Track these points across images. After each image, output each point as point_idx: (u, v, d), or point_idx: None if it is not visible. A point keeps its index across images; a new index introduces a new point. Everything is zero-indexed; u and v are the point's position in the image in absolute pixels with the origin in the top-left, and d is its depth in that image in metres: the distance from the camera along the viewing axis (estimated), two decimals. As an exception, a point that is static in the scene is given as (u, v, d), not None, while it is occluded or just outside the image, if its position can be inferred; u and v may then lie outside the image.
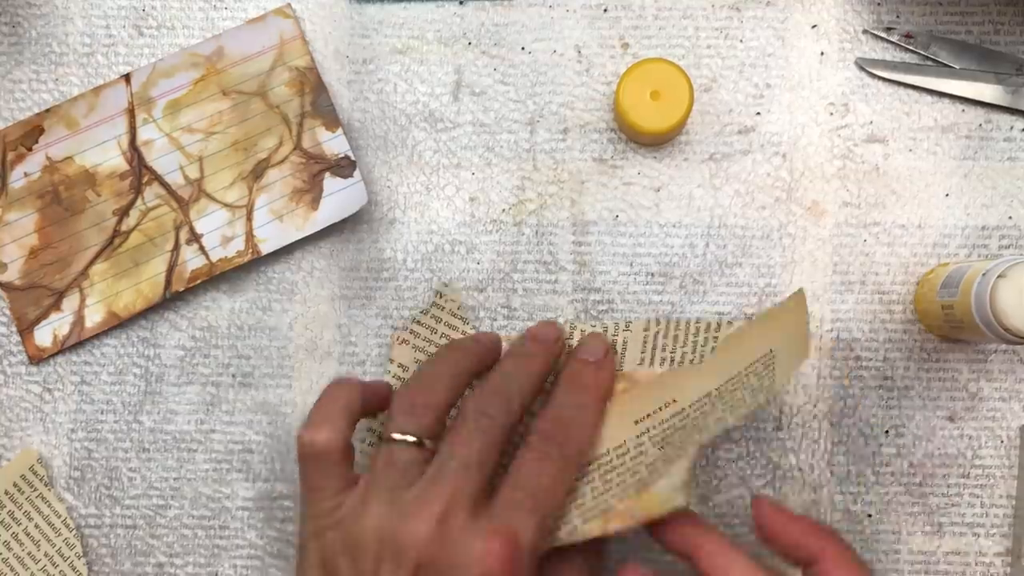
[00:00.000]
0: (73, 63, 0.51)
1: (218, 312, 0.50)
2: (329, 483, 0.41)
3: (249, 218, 0.49)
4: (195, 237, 0.49)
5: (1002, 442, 0.49)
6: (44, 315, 0.49)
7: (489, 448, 0.41)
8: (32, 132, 0.50)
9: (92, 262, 0.50)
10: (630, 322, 0.49)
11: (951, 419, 0.49)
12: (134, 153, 0.50)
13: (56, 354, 0.50)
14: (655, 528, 0.41)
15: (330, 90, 0.50)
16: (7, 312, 0.50)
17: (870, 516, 0.49)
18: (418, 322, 0.49)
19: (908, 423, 0.49)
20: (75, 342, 0.50)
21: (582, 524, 0.42)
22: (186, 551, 0.50)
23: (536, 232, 0.50)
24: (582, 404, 0.45)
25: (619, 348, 0.48)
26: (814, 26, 0.50)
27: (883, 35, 0.50)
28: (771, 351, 0.43)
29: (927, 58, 0.50)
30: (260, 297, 0.50)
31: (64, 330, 0.50)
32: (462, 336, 0.49)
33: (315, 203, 0.49)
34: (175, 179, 0.50)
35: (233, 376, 0.50)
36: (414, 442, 0.41)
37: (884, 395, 0.49)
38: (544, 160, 0.50)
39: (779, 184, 0.50)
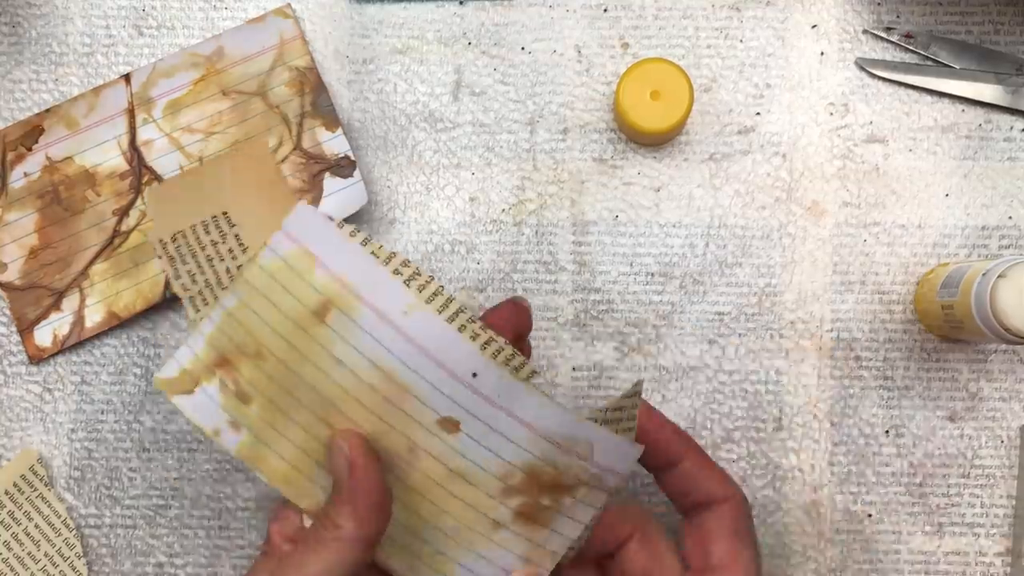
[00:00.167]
0: (73, 63, 0.51)
1: (218, 312, 0.50)
2: None
3: (249, 218, 0.49)
4: (195, 237, 0.49)
5: (1002, 442, 0.49)
6: (44, 315, 0.49)
7: None
8: (32, 132, 0.50)
9: (92, 262, 0.50)
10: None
11: (951, 419, 0.49)
12: (134, 153, 0.50)
13: (56, 354, 0.50)
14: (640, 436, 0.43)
15: (330, 90, 0.50)
16: (7, 312, 0.50)
17: (870, 516, 0.49)
18: None
19: (908, 423, 0.49)
20: (75, 342, 0.50)
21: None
22: (186, 551, 0.50)
23: (536, 232, 0.50)
24: None
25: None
26: (814, 26, 0.50)
27: (883, 35, 0.50)
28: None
29: (927, 58, 0.50)
30: (260, 297, 0.50)
31: (64, 330, 0.50)
32: None
33: (315, 203, 0.49)
34: (175, 179, 0.50)
35: (233, 376, 0.50)
36: None
37: (884, 395, 0.49)
38: (544, 160, 0.50)
39: (779, 184, 0.50)
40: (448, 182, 0.50)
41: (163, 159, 0.50)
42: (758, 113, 0.50)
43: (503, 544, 0.42)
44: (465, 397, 0.40)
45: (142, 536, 0.50)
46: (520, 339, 0.44)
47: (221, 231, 0.45)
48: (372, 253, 0.40)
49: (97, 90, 0.50)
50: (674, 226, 0.50)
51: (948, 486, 0.49)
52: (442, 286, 0.40)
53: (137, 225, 0.50)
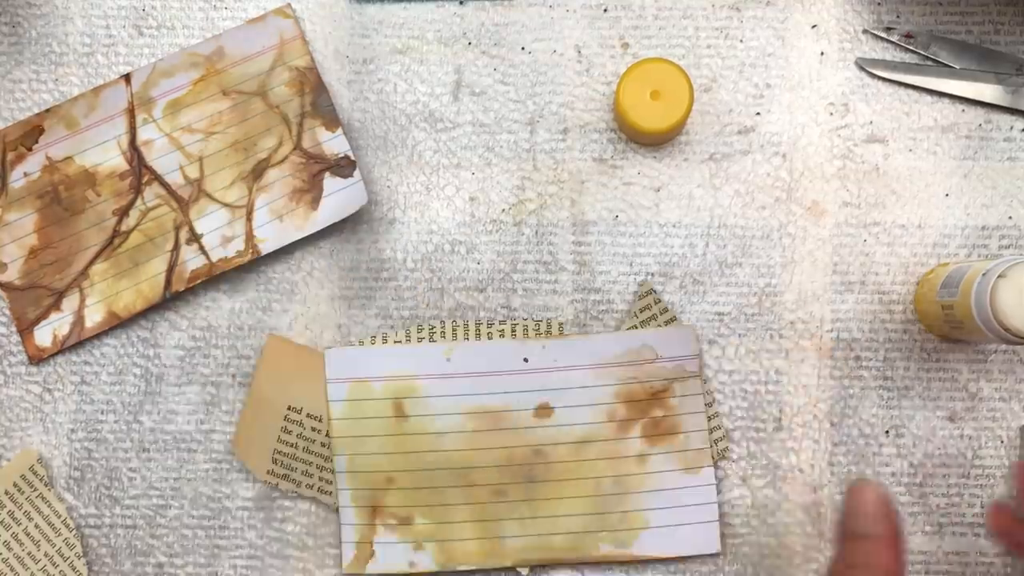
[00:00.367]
0: (73, 63, 0.51)
1: (218, 312, 0.50)
2: None
3: (249, 218, 0.49)
4: (195, 237, 0.49)
5: (1002, 442, 0.49)
6: (44, 315, 0.49)
7: None
8: (32, 132, 0.50)
9: (92, 262, 0.50)
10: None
11: (951, 419, 0.49)
12: (134, 153, 0.50)
13: (56, 354, 0.50)
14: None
15: (330, 90, 0.50)
16: (7, 312, 0.50)
17: (870, 516, 0.49)
18: None
19: (908, 423, 0.49)
20: (75, 342, 0.50)
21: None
22: (186, 551, 0.50)
23: (536, 232, 0.50)
24: None
25: None
26: (814, 26, 0.50)
27: (883, 35, 0.50)
28: None
29: (927, 58, 0.50)
30: (260, 297, 0.50)
31: (64, 330, 0.49)
32: None
33: (315, 203, 0.49)
34: (175, 179, 0.50)
35: (233, 376, 0.50)
36: None
37: (884, 395, 0.49)
38: (544, 160, 0.50)
39: (779, 184, 0.50)
40: (448, 182, 0.50)
41: (163, 159, 0.50)
42: (758, 113, 0.50)
43: (659, 468, 0.48)
44: (533, 381, 0.48)
45: (142, 536, 0.50)
46: None
47: (296, 422, 0.49)
48: (395, 342, 0.49)
49: (97, 90, 0.50)
50: (674, 226, 0.50)
51: (948, 486, 0.49)
52: (453, 320, 0.49)
53: (137, 225, 0.50)
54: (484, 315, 0.50)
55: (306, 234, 0.49)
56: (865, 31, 0.50)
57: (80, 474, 0.50)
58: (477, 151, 0.50)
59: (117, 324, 0.50)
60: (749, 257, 0.50)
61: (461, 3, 0.51)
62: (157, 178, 0.50)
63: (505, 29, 0.50)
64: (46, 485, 0.50)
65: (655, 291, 0.49)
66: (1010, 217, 0.49)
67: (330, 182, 0.49)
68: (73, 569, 0.49)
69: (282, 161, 0.50)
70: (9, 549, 0.49)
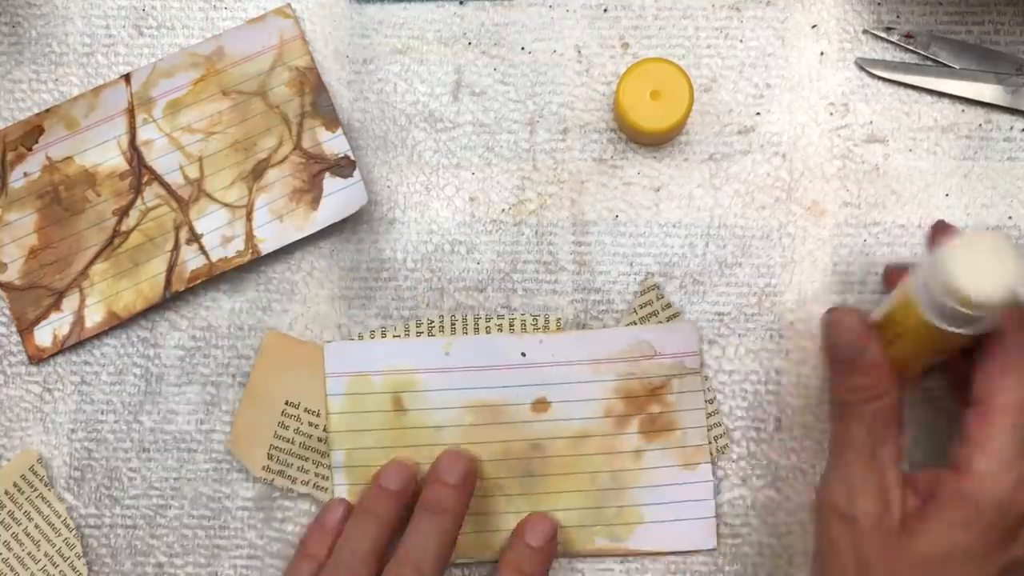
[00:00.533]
0: (73, 63, 0.51)
1: (218, 312, 0.50)
2: None
3: (249, 218, 0.49)
4: (195, 237, 0.49)
5: (1002, 442, 0.49)
6: (44, 315, 0.49)
7: None
8: (32, 132, 0.50)
9: (92, 262, 0.50)
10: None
11: (951, 419, 0.49)
12: (134, 153, 0.50)
13: (56, 354, 0.50)
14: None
15: (330, 90, 0.50)
16: (7, 312, 0.50)
17: (870, 516, 0.49)
18: None
19: (908, 423, 0.49)
20: (75, 342, 0.50)
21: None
22: (186, 551, 0.50)
23: (536, 232, 0.50)
24: (435, 531, 0.45)
25: None
26: (814, 26, 0.50)
27: (883, 35, 0.50)
28: None
29: (927, 58, 0.50)
30: (260, 297, 0.50)
31: (64, 330, 0.50)
32: None
33: (315, 203, 0.49)
34: (175, 179, 0.50)
35: (233, 376, 0.50)
36: None
37: (884, 395, 0.49)
38: (544, 160, 0.50)
39: (779, 184, 0.50)
40: (448, 182, 0.50)
41: (163, 159, 0.50)
42: (758, 113, 0.50)
43: (656, 464, 0.48)
44: (530, 375, 0.48)
45: (142, 536, 0.50)
46: None
47: (294, 416, 0.49)
48: (394, 336, 0.49)
49: (97, 90, 0.50)
50: (674, 226, 0.50)
51: (948, 486, 0.49)
52: (452, 314, 0.49)
53: (137, 225, 0.50)
54: (484, 315, 0.50)
55: (306, 234, 0.49)
56: (865, 31, 0.50)
57: (80, 474, 0.50)
58: (477, 151, 0.50)
59: (117, 324, 0.50)
60: (749, 257, 0.50)
61: (461, 3, 0.51)
62: (157, 178, 0.50)
63: (505, 29, 0.50)
64: (46, 485, 0.50)
65: (659, 287, 0.49)
66: (1010, 217, 0.49)
67: (330, 182, 0.49)
68: (73, 569, 0.49)
69: (282, 161, 0.50)
70: (9, 549, 0.49)
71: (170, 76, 0.50)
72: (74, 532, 0.49)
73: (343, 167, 0.50)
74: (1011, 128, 0.49)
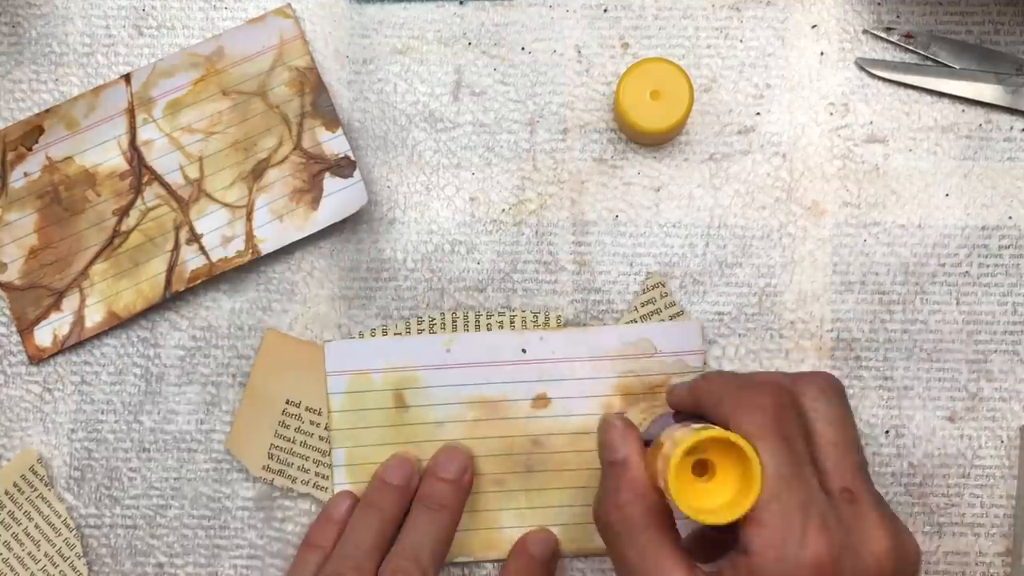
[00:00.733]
0: (73, 63, 0.51)
1: (218, 312, 0.50)
2: None
3: (249, 218, 0.49)
4: (195, 237, 0.49)
5: (1002, 442, 0.49)
6: (44, 315, 0.49)
7: None
8: (32, 132, 0.50)
9: (92, 262, 0.50)
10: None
11: (951, 419, 0.49)
12: (134, 153, 0.50)
13: (56, 354, 0.50)
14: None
15: (330, 90, 0.50)
16: (7, 312, 0.50)
17: (870, 516, 0.49)
18: None
19: (908, 423, 0.49)
20: (75, 342, 0.50)
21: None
22: (186, 551, 0.50)
23: (536, 232, 0.50)
24: (432, 526, 0.46)
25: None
26: (814, 26, 0.50)
27: (883, 35, 0.50)
28: None
29: (927, 58, 0.50)
30: (260, 297, 0.50)
31: (64, 330, 0.49)
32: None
33: (315, 203, 0.49)
34: (175, 179, 0.50)
35: (233, 376, 0.50)
36: None
37: (884, 395, 0.49)
38: (544, 160, 0.50)
39: (779, 184, 0.50)
40: (448, 182, 0.50)
41: (163, 159, 0.50)
42: (758, 113, 0.50)
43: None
44: (531, 372, 0.49)
45: (142, 536, 0.50)
46: None
47: (294, 416, 0.49)
48: (395, 334, 0.49)
49: (97, 90, 0.50)
50: (674, 226, 0.50)
51: (948, 486, 0.49)
52: (453, 311, 0.49)
53: (137, 225, 0.50)
54: (484, 311, 0.50)
55: (306, 234, 0.49)
56: (865, 31, 0.50)
57: (80, 474, 0.50)
58: (477, 151, 0.50)
59: (117, 324, 0.50)
60: (749, 257, 0.50)
61: (461, 3, 0.51)
62: (157, 178, 0.50)
63: (505, 29, 0.50)
64: (46, 485, 0.50)
65: (664, 284, 0.49)
66: (1010, 217, 0.49)
67: (330, 182, 0.49)
68: (73, 569, 0.49)
69: (282, 161, 0.50)
70: (9, 549, 0.49)
71: (170, 76, 0.50)
72: (74, 532, 0.49)
73: (343, 167, 0.50)
74: (1011, 128, 0.49)
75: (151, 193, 0.50)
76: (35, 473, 0.49)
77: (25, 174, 0.50)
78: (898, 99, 0.50)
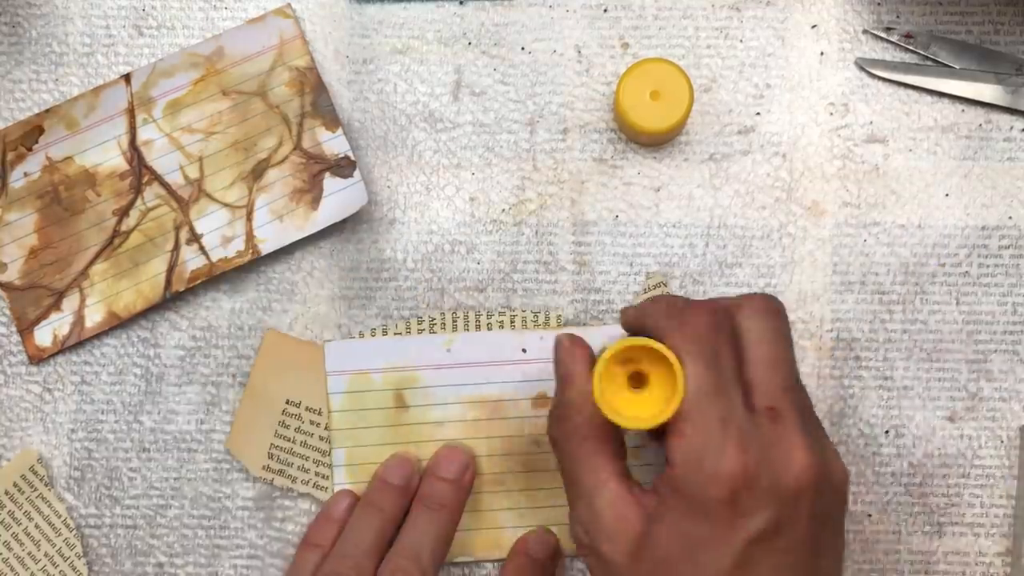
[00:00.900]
0: (73, 63, 0.51)
1: (218, 312, 0.50)
2: None
3: (249, 218, 0.49)
4: (195, 237, 0.49)
5: (1002, 442, 0.49)
6: (44, 315, 0.49)
7: None
8: (32, 132, 0.50)
9: (92, 262, 0.50)
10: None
11: (951, 419, 0.49)
12: (134, 153, 0.50)
13: (56, 354, 0.50)
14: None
15: (330, 90, 0.50)
16: (7, 312, 0.50)
17: (870, 516, 0.49)
18: None
19: (908, 423, 0.49)
20: (75, 342, 0.50)
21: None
22: (186, 551, 0.50)
23: (536, 232, 0.50)
24: (432, 525, 0.46)
25: None
26: (814, 26, 0.50)
27: (883, 35, 0.50)
28: None
29: (927, 58, 0.50)
30: (260, 297, 0.50)
31: (64, 330, 0.50)
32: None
33: (315, 203, 0.49)
34: (175, 179, 0.50)
35: (233, 376, 0.50)
36: None
37: (884, 395, 0.49)
38: (544, 160, 0.50)
39: (779, 184, 0.50)
40: (448, 182, 0.50)
41: (163, 159, 0.50)
42: (758, 113, 0.50)
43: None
44: (531, 371, 0.48)
45: (142, 536, 0.50)
46: None
47: (295, 416, 0.49)
48: (395, 334, 0.49)
49: (97, 90, 0.50)
50: (674, 226, 0.50)
51: (948, 486, 0.49)
52: (453, 311, 0.49)
53: (137, 225, 0.50)
54: (485, 311, 0.50)
55: (306, 234, 0.49)
56: (865, 31, 0.50)
57: (80, 474, 0.50)
58: (477, 151, 0.50)
59: (117, 324, 0.50)
60: (749, 257, 0.50)
61: (461, 3, 0.51)
62: (157, 178, 0.50)
63: (505, 29, 0.50)
64: (46, 485, 0.50)
65: (666, 283, 0.49)
66: (1010, 217, 0.49)
67: (330, 182, 0.49)
68: (73, 569, 0.49)
69: (282, 161, 0.50)
70: (9, 549, 0.49)
71: (170, 76, 0.50)
72: (74, 532, 0.50)
73: (343, 167, 0.50)
74: (1011, 128, 0.49)
75: (151, 193, 0.50)
76: (35, 473, 0.49)
77: (25, 174, 0.50)
78: (898, 99, 0.50)
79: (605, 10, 0.50)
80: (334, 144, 0.50)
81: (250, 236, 0.49)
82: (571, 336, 0.42)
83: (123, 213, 0.50)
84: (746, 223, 0.50)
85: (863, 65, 0.50)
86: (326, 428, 0.49)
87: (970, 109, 0.50)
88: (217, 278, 0.50)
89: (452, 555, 0.48)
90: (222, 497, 0.50)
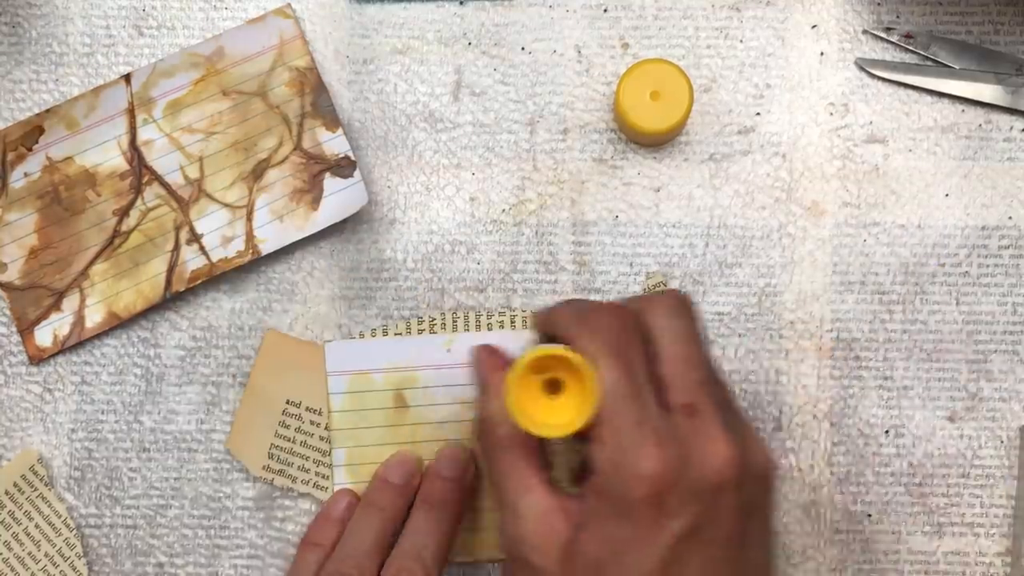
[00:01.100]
0: (73, 63, 0.51)
1: (218, 312, 0.50)
2: None
3: (249, 218, 0.49)
4: (195, 237, 0.49)
5: (1002, 442, 0.49)
6: (44, 315, 0.49)
7: None
8: (32, 132, 0.50)
9: (92, 262, 0.50)
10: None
11: (951, 419, 0.49)
12: (134, 153, 0.50)
13: (56, 354, 0.50)
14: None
15: (330, 90, 0.50)
16: (7, 312, 0.50)
17: (870, 516, 0.49)
18: None
19: (908, 423, 0.49)
20: (75, 342, 0.50)
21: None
22: (186, 551, 0.50)
23: (536, 232, 0.50)
24: (434, 526, 0.46)
25: None
26: (814, 26, 0.50)
27: (883, 35, 0.50)
28: None
29: (927, 58, 0.50)
30: (260, 297, 0.50)
31: (64, 330, 0.50)
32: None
33: (315, 203, 0.49)
34: (175, 179, 0.50)
35: (233, 376, 0.50)
36: None
37: (884, 395, 0.49)
38: (544, 160, 0.50)
39: (779, 184, 0.50)
40: (448, 182, 0.50)
41: (163, 159, 0.50)
42: (758, 113, 0.50)
43: None
44: None
45: (142, 536, 0.50)
46: None
47: (295, 416, 0.49)
48: (395, 334, 0.49)
49: (97, 90, 0.50)
50: (674, 226, 0.50)
51: (948, 486, 0.49)
52: (454, 311, 0.49)
53: (137, 225, 0.50)
54: (485, 311, 0.50)
55: (306, 234, 0.49)
56: (865, 31, 0.50)
57: (80, 474, 0.50)
58: (477, 151, 0.50)
59: (117, 324, 0.50)
60: (749, 257, 0.50)
61: (461, 3, 0.51)
62: (157, 178, 0.50)
63: (505, 29, 0.50)
64: (46, 485, 0.50)
65: (665, 283, 0.49)
66: (1010, 217, 0.49)
67: (330, 182, 0.49)
68: (73, 569, 0.49)
69: (282, 161, 0.50)
70: (9, 549, 0.49)
71: (170, 76, 0.50)
72: (74, 532, 0.50)
73: (343, 167, 0.50)
74: (1011, 128, 0.49)
75: (151, 193, 0.50)
76: (35, 473, 0.49)
77: (25, 174, 0.50)
78: (898, 99, 0.50)
79: (605, 10, 0.50)
80: (334, 144, 0.50)
81: (250, 236, 0.49)
82: (487, 347, 0.43)
83: (123, 213, 0.50)
84: (746, 223, 0.50)
85: (863, 65, 0.50)
86: (326, 428, 0.49)
87: (970, 109, 0.50)
88: (217, 278, 0.50)
89: (452, 555, 0.48)
90: (222, 497, 0.50)
